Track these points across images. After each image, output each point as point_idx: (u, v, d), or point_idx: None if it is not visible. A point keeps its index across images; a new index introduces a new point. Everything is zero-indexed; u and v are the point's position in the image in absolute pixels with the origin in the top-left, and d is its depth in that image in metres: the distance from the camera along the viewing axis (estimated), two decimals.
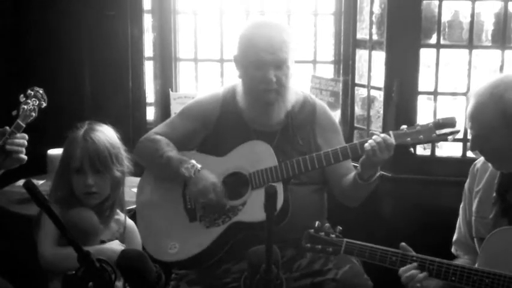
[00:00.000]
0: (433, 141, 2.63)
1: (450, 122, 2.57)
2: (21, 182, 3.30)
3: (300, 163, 2.72)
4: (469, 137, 2.48)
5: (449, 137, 2.60)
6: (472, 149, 2.49)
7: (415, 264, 2.37)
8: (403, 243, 2.43)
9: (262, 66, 2.73)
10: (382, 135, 2.60)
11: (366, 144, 2.59)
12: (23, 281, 3.19)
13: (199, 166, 2.78)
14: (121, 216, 2.76)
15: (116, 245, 2.60)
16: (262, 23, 2.92)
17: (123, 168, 2.71)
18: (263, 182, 2.73)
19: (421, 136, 2.60)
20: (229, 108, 2.91)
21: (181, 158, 2.82)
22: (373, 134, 2.63)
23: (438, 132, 2.58)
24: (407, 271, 2.37)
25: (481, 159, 2.55)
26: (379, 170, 2.69)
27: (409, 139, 2.61)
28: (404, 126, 2.64)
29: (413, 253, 2.41)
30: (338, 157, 2.70)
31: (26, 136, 2.70)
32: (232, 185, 2.81)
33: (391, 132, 2.63)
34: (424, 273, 2.35)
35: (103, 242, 2.63)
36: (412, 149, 2.68)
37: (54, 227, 2.48)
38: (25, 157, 2.68)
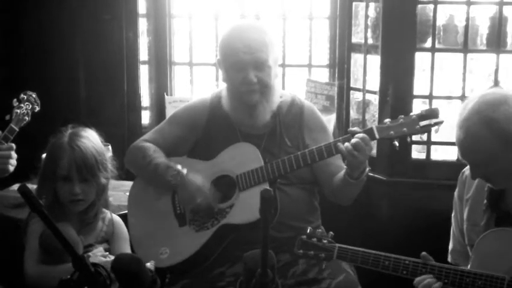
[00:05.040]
0: (416, 133, 2.58)
1: (433, 113, 2.55)
2: (15, 187, 3.29)
3: (285, 162, 2.72)
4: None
5: (433, 128, 2.54)
6: (474, 178, 2.41)
7: (430, 275, 2.33)
8: (424, 253, 2.38)
9: (242, 68, 2.74)
10: (360, 135, 2.56)
11: (342, 148, 2.58)
12: (17, 286, 3.18)
13: (184, 171, 2.79)
14: (105, 213, 2.77)
15: (97, 258, 2.54)
16: (241, 25, 2.96)
17: (108, 174, 2.72)
18: (250, 184, 2.74)
19: (405, 129, 2.57)
20: (217, 113, 2.93)
21: (168, 164, 2.83)
22: (351, 131, 2.61)
23: (422, 123, 2.55)
24: (423, 281, 2.33)
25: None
26: (368, 166, 2.67)
27: (392, 132, 2.58)
28: (387, 120, 2.62)
29: (434, 262, 2.36)
30: (322, 154, 2.68)
31: (13, 146, 2.69)
32: (220, 188, 2.83)
33: (374, 127, 2.62)
34: (439, 283, 2.31)
35: (91, 245, 2.63)
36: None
37: (36, 244, 2.50)
38: (10, 168, 2.68)
